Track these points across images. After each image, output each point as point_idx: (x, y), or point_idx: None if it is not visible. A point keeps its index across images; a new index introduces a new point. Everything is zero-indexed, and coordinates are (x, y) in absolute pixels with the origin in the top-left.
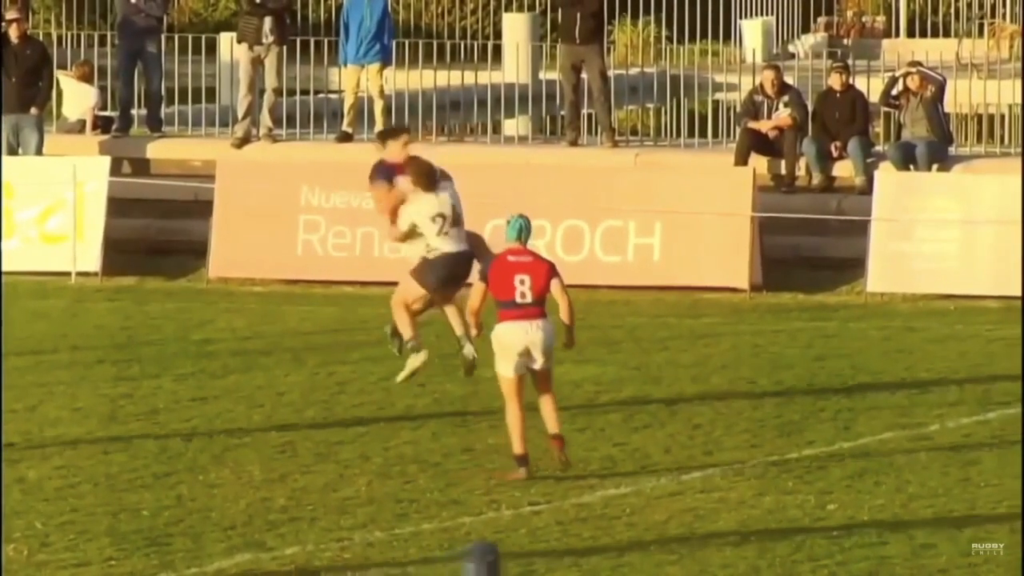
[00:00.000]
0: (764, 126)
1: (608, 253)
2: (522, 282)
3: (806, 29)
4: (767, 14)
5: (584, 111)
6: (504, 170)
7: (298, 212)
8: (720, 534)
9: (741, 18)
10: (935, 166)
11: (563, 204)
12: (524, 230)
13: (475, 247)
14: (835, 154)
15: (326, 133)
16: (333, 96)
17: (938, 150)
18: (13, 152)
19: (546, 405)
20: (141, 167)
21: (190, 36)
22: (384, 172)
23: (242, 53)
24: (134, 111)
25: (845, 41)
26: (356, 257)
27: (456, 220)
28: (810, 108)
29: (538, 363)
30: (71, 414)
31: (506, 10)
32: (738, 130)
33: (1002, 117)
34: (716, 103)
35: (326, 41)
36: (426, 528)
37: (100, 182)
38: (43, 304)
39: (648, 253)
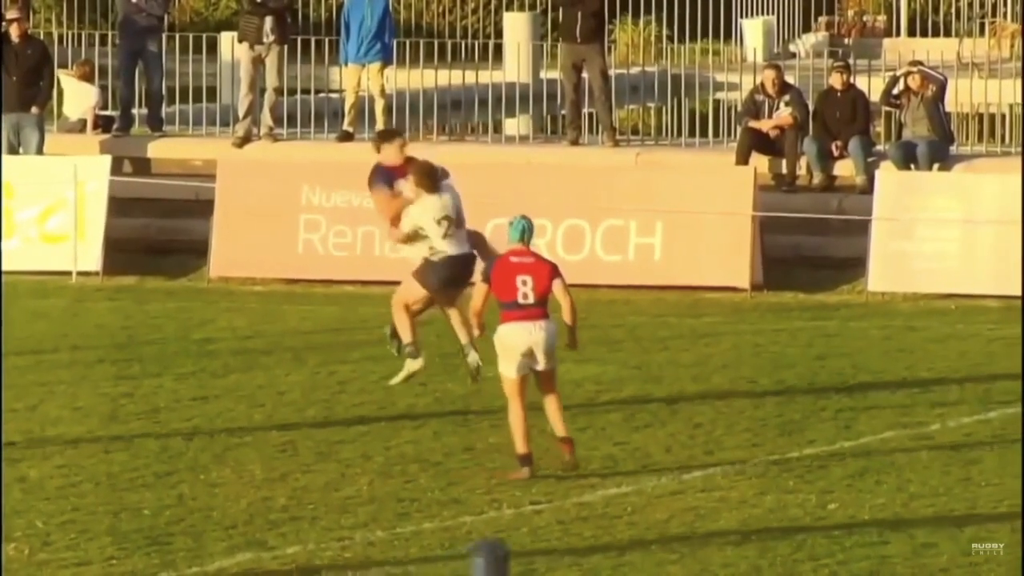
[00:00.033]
0: (765, 125)
1: (609, 252)
2: (524, 283)
3: (807, 28)
4: (768, 13)
5: (585, 110)
6: (505, 169)
7: (299, 211)
8: (721, 533)
9: (742, 17)
10: (936, 165)
11: (564, 203)
12: (527, 231)
13: (477, 246)
14: (836, 153)
15: (327, 132)
16: (334, 95)
17: (939, 149)
18: (14, 151)
19: (551, 406)
20: (142, 166)
21: (191, 35)
22: (383, 176)
23: (243, 52)
24: (135, 110)
25: (846, 40)
26: (357, 256)
27: (459, 222)
28: (811, 107)
29: (541, 364)
30: (72, 413)
31: (507, 9)
32: (739, 129)
33: (1003, 116)
34: (717, 102)
35: (327, 40)
36: (427, 527)
37: (101, 181)
38: (44, 304)
39: (649, 252)
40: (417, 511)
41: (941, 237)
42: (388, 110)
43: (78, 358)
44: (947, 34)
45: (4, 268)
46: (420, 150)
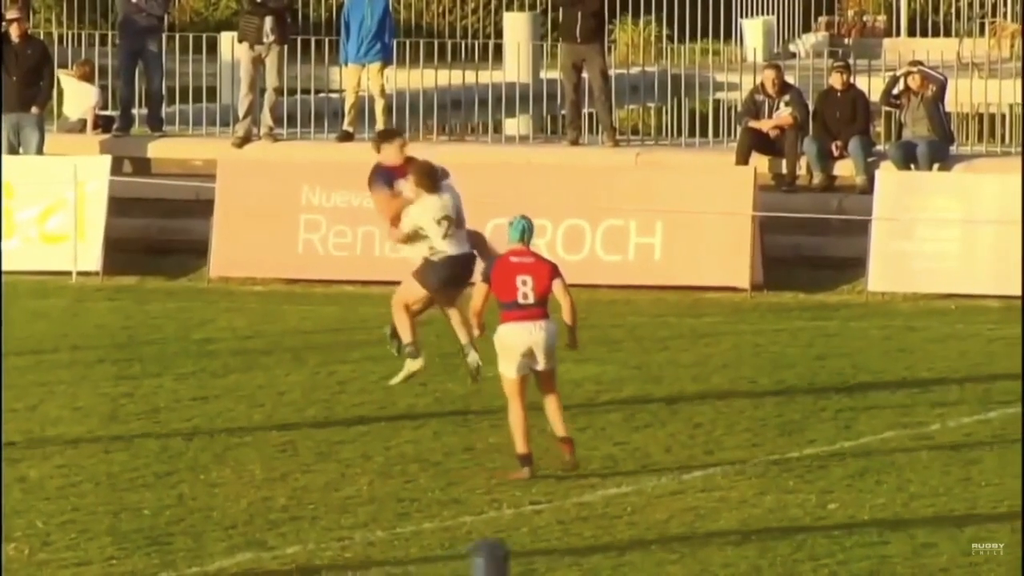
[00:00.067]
0: (765, 125)
1: (609, 252)
2: (524, 283)
3: (807, 28)
4: (768, 13)
5: (585, 110)
6: (505, 169)
7: (299, 211)
8: (721, 533)
9: (742, 17)
10: (936, 165)
11: (564, 203)
12: (527, 231)
13: (477, 246)
14: (836, 153)
15: (327, 132)
16: (334, 95)
17: (939, 149)
18: (14, 151)
19: (550, 406)
20: (142, 166)
21: (191, 35)
22: (383, 176)
23: (243, 52)
24: (135, 110)
25: (846, 40)
26: (357, 256)
27: (460, 222)
28: (811, 107)
29: (541, 364)
30: (72, 413)
31: (507, 9)
32: (739, 129)
33: (1003, 116)
34: (717, 102)
35: (327, 40)
36: (427, 527)
37: (101, 181)
38: (44, 304)
39: (649, 252)
40: (417, 511)
41: (941, 237)
42: (388, 110)
43: (78, 358)
44: (947, 34)
45: (4, 268)
46: (420, 150)
